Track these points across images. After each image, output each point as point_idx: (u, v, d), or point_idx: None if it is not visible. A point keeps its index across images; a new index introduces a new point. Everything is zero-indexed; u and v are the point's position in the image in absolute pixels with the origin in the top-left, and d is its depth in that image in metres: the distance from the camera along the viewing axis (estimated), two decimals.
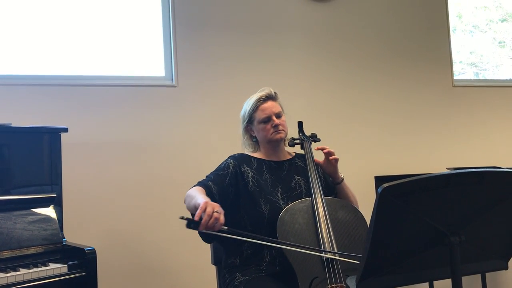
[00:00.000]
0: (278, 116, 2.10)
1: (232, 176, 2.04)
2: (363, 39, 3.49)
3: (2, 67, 2.79)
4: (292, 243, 1.84)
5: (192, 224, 1.64)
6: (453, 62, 3.73)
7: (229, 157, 2.13)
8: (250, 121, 2.13)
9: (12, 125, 2.31)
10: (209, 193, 1.94)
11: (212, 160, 3.10)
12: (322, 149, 2.14)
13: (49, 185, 2.36)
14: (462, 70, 3.93)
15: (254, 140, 2.17)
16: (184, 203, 1.98)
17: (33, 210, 2.19)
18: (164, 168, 2.97)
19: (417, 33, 3.64)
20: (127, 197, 2.88)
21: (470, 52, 3.99)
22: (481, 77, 4.00)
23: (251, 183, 2.04)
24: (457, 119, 3.68)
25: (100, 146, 2.86)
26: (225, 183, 2.02)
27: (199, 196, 1.83)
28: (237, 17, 3.21)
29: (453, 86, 3.71)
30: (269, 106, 2.09)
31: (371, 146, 3.42)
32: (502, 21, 4.10)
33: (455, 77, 3.74)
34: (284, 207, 1.95)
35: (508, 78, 4.02)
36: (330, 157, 2.12)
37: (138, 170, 2.92)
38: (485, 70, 4.04)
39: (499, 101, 3.82)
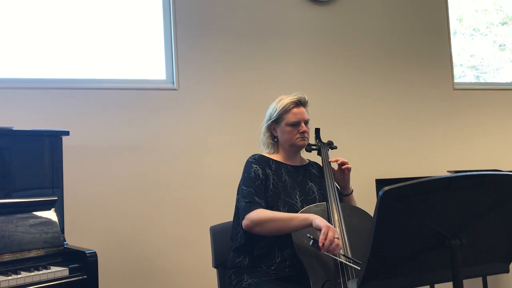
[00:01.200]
0: (306, 123, 2.12)
1: (263, 182, 2.03)
2: (363, 43, 3.49)
3: (4, 71, 2.79)
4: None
5: (316, 245, 1.75)
6: (453, 65, 3.74)
7: (251, 162, 2.08)
8: (277, 120, 2.11)
9: (14, 129, 2.32)
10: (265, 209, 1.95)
11: (213, 162, 3.12)
12: (335, 161, 2.15)
13: (50, 188, 2.36)
14: (462, 73, 3.94)
15: (275, 140, 2.15)
16: (252, 228, 1.92)
17: (34, 213, 2.19)
18: (165, 171, 2.98)
19: (417, 36, 3.64)
20: (128, 200, 2.88)
21: (471, 55, 3.99)
22: (481, 80, 4.01)
23: (271, 186, 2.04)
24: (458, 122, 3.68)
25: (101, 150, 2.86)
26: (263, 191, 2.02)
27: (296, 216, 1.87)
28: (238, 21, 3.21)
29: (453, 89, 3.71)
30: (301, 112, 2.10)
31: (372, 149, 3.42)
32: (503, 24, 4.10)
33: (455, 80, 3.74)
34: (300, 210, 1.96)
35: (509, 81, 4.02)
36: (343, 166, 2.13)
37: (139, 173, 2.92)
38: (486, 73, 4.04)
39: (500, 104, 3.83)
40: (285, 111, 2.09)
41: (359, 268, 1.79)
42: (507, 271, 1.43)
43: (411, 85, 3.58)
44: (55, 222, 2.21)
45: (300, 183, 2.11)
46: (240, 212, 1.99)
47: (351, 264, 1.81)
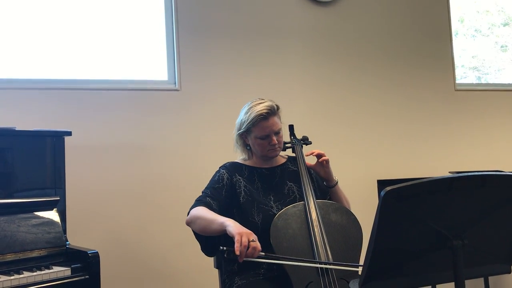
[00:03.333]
0: (277, 133, 2.04)
1: (228, 187, 2.03)
2: (364, 44, 3.49)
3: (5, 71, 2.80)
4: (331, 262, 1.82)
5: (232, 255, 1.68)
6: (455, 66, 3.74)
7: (221, 168, 2.11)
8: (247, 132, 2.07)
9: (16, 129, 2.33)
10: (211, 209, 1.94)
11: (214, 163, 3.11)
12: (311, 154, 2.11)
13: (53, 188, 2.36)
14: (464, 74, 3.94)
15: (248, 147, 2.12)
16: (189, 223, 1.97)
17: (37, 213, 2.19)
18: (167, 171, 2.98)
19: (419, 37, 3.64)
20: (130, 201, 2.89)
21: (472, 56, 3.99)
22: (483, 81, 4.01)
23: (243, 193, 2.03)
24: (460, 123, 3.69)
25: (103, 150, 2.87)
26: (222, 195, 2.01)
27: (222, 220, 1.81)
28: (240, 21, 3.22)
29: (455, 90, 3.71)
30: (270, 125, 2.01)
31: (374, 150, 3.43)
32: (504, 25, 4.11)
33: (457, 81, 3.75)
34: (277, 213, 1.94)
35: (511, 82, 4.02)
36: (320, 159, 2.09)
37: (141, 173, 2.93)
38: (487, 74, 4.04)
39: (502, 105, 3.83)
40: (253, 124, 2.01)
41: (336, 267, 1.80)
42: (509, 272, 1.43)
43: (413, 86, 3.58)
44: (57, 222, 2.22)
45: (275, 186, 2.08)
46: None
47: (277, 262, 1.79)
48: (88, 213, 2.78)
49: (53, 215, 2.23)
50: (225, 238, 1.83)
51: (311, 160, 2.16)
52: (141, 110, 2.97)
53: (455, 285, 1.30)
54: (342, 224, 1.97)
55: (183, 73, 3.06)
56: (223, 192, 2.02)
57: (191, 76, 3.08)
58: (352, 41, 3.46)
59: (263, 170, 2.12)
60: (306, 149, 2.22)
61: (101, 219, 2.82)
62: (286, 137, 2.26)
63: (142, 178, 2.93)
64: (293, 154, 2.21)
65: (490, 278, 3.28)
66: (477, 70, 4.02)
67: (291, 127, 2.31)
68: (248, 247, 1.68)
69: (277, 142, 2.03)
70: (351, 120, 3.41)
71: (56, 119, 2.75)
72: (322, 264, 1.80)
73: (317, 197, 2.04)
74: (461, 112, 3.70)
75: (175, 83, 3.07)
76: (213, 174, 2.12)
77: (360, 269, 1.76)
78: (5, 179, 2.27)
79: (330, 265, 1.82)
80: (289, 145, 2.22)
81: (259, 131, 2.01)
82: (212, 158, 3.05)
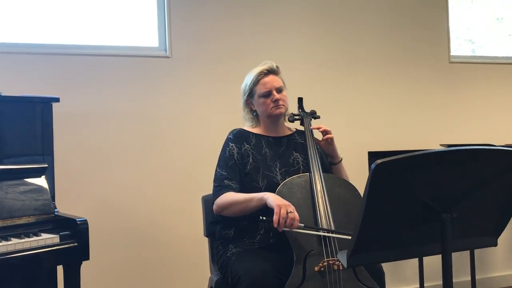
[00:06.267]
0: (279, 90, 2.09)
1: (239, 161, 2.05)
2: (359, 13, 3.43)
3: None
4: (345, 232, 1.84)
5: (271, 225, 1.76)
6: (450, 38, 3.70)
7: (229, 141, 2.11)
8: (250, 94, 2.11)
9: (2, 94, 2.28)
10: (235, 191, 1.98)
11: (206, 130, 3.11)
12: (318, 128, 2.13)
13: (41, 155, 2.33)
14: (458, 46, 3.90)
15: (254, 114, 2.16)
16: (220, 212, 2.00)
17: (25, 180, 2.17)
18: (157, 139, 2.96)
19: (414, 7, 3.58)
20: (119, 168, 2.87)
21: (467, 28, 3.95)
22: (478, 54, 3.97)
23: (251, 161, 2.05)
24: (453, 95, 3.67)
25: (92, 117, 2.83)
26: (237, 171, 2.04)
27: (259, 196, 1.88)
28: None
29: (449, 63, 3.68)
30: (270, 80, 2.07)
31: (365, 121, 3.41)
32: None
33: (451, 53, 3.71)
34: (281, 182, 1.96)
35: (505, 55, 3.99)
36: (325, 136, 2.11)
37: (130, 141, 2.90)
38: (482, 46, 4.00)
39: (496, 79, 3.81)
40: (254, 83, 2.08)
41: (332, 235, 1.83)
42: (495, 245, 1.45)
43: (407, 57, 3.55)
44: (46, 189, 2.20)
45: (281, 155, 2.10)
46: (212, 197, 2.04)
47: (316, 233, 1.83)
48: (77, 180, 2.77)
49: (41, 182, 2.21)
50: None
51: (318, 136, 2.16)
52: (131, 77, 2.92)
53: (442, 257, 1.32)
54: (346, 198, 1.99)
55: (173, 40, 3.00)
56: (237, 168, 2.05)
57: (182, 42, 3.02)
58: (347, 12, 3.40)
59: (269, 138, 2.14)
60: (314, 123, 2.22)
61: (90, 186, 2.81)
62: (295, 109, 2.27)
63: (131, 145, 2.90)
64: (302, 127, 2.22)
65: (476, 250, 3.33)
66: (472, 43, 3.98)
67: (300, 100, 2.31)
68: (287, 219, 1.74)
69: (280, 98, 2.06)
70: (343, 90, 3.38)
71: (44, 85, 2.70)
72: (345, 235, 1.82)
73: (323, 170, 2.05)
74: (454, 84, 3.68)
75: (165, 50, 3.01)
76: (223, 145, 2.12)
77: None
78: None
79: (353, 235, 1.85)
80: (297, 117, 2.23)
81: (260, 88, 2.07)
82: (203, 125, 3.04)
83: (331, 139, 2.12)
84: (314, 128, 2.14)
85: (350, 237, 1.79)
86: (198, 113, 3.03)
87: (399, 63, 3.53)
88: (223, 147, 2.12)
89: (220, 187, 2.01)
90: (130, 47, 2.98)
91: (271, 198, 1.82)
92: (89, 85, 2.83)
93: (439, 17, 3.66)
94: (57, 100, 2.39)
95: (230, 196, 1.96)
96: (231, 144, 2.08)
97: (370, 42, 3.45)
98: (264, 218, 1.77)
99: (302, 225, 1.80)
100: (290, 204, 1.80)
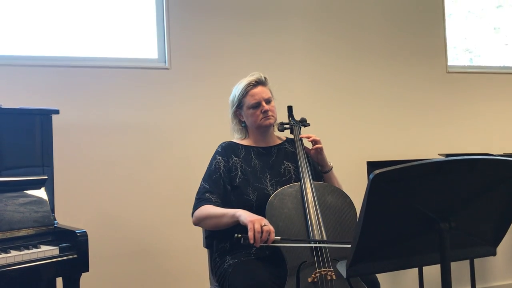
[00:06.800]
0: (268, 101, 2.09)
1: (225, 175, 2.05)
2: (355, 23, 3.46)
3: None
4: (334, 241, 1.85)
5: (247, 241, 1.76)
6: (447, 48, 3.72)
7: (217, 154, 2.12)
8: (239, 106, 2.11)
9: (2, 106, 2.29)
10: (214, 205, 1.99)
11: (205, 142, 3.11)
12: (307, 138, 2.13)
13: (41, 167, 2.34)
14: (456, 56, 3.92)
15: (243, 125, 2.16)
16: (197, 224, 2.02)
17: (24, 192, 2.17)
18: (156, 150, 2.96)
19: (411, 18, 3.61)
20: (118, 180, 2.88)
21: (465, 38, 3.97)
22: (475, 64, 4.00)
23: (239, 174, 2.04)
24: (450, 105, 3.69)
25: (92, 128, 2.84)
26: (221, 185, 2.04)
27: (233, 212, 1.87)
28: None
29: (447, 73, 3.70)
30: (259, 92, 2.07)
31: (364, 131, 3.43)
32: (498, 7, 4.08)
33: (449, 63, 3.73)
34: (273, 193, 1.95)
35: (502, 65, 4.02)
36: (314, 146, 2.11)
37: (129, 152, 2.91)
38: (479, 56, 4.03)
39: (493, 88, 3.83)
40: (243, 94, 2.08)
41: (331, 246, 1.82)
42: (494, 254, 1.45)
43: (404, 67, 3.57)
44: (45, 201, 2.20)
45: (272, 165, 2.10)
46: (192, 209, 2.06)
47: (294, 244, 1.83)
48: (76, 192, 2.77)
49: (41, 194, 2.21)
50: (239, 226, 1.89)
51: (308, 144, 2.17)
52: (130, 89, 2.93)
53: (441, 267, 1.32)
54: (338, 206, 1.99)
55: (173, 52, 3.02)
56: (221, 182, 2.04)
57: (181, 54, 3.04)
58: (343, 21, 3.43)
59: (259, 149, 2.14)
60: (304, 131, 2.22)
61: (90, 198, 2.81)
62: (284, 118, 2.27)
63: (131, 157, 2.91)
64: (291, 136, 2.22)
65: (475, 260, 3.33)
66: (469, 52, 4.01)
67: (289, 108, 2.31)
68: (263, 232, 1.73)
69: (269, 109, 2.06)
70: (342, 101, 3.39)
71: (43, 97, 2.71)
72: (330, 244, 1.83)
73: (314, 179, 2.05)
74: (452, 94, 3.70)
75: (165, 61, 3.03)
76: (209, 160, 2.13)
77: None
78: None
79: (335, 244, 1.84)
80: (287, 125, 2.22)
81: (249, 99, 2.07)
82: (202, 136, 3.04)
83: (321, 149, 2.11)
84: (303, 137, 2.14)
85: (330, 245, 1.81)
86: (196, 124, 3.04)
87: (397, 74, 3.55)
88: (211, 159, 2.12)
89: (200, 200, 2.02)
90: (129, 59, 3.00)
91: (243, 216, 1.82)
92: (89, 97, 2.84)
93: (436, 27, 3.68)
94: (56, 112, 2.40)
95: (207, 209, 1.97)
96: (218, 157, 2.09)
97: (368, 53, 3.47)
98: (240, 235, 1.77)
99: (279, 238, 1.80)
100: (263, 218, 1.80)
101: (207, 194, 2.01)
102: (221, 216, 1.92)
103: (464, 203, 1.31)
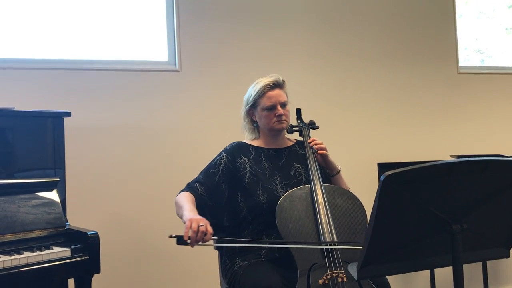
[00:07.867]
0: (283, 105, 2.08)
1: (224, 173, 2.05)
2: (366, 24, 3.45)
3: (5, 51, 2.77)
4: (286, 242, 1.84)
5: (182, 241, 1.74)
6: (458, 48, 3.70)
7: (223, 151, 2.12)
8: (253, 105, 2.11)
9: (15, 109, 2.31)
10: (196, 195, 2.00)
11: (214, 145, 3.10)
12: (312, 141, 2.11)
13: (53, 169, 2.36)
14: (467, 57, 3.90)
15: (255, 125, 2.15)
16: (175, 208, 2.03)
17: (37, 194, 2.19)
18: (166, 152, 2.97)
19: (422, 18, 3.60)
20: (130, 182, 2.89)
21: (476, 39, 3.95)
22: (486, 64, 3.97)
23: (248, 174, 2.04)
24: (462, 106, 3.66)
25: (103, 131, 2.86)
26: (214, 181, 2.04)
27: (185, 209, 1.88)
28: (241, 2, 3.17)
29: (458, 73, 3.68)
30: (276, 95, 2.06)
31: (375, 133, 3.41)
32: (509, 7, 4.05)
33: (460, 64, 3.71)
34: (283, 195, 1.95)
35: None
36: (318, 152, 2.08)
37: (140, 154, 2.92)
38: (490, 57, 4.00)
39: (504, 89, 3.80)
40: (259, 95, 2.06)
41: (341, 247, 1.81)
42: (507, 256, 1.44)
43: (415, 68, 3.55)
44: (57, 202, 2.22)
45: (282, 167, 2.09)
46: None
47: (230, 245, 1.87)
48: (88, 194, 2.79)
49: (53, 195, 2.23)
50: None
51: None
52: (141, 91, 2.95)
53: (453, 269, 1.31)
54: (348, 208, 1.98)
55: (183, 54, 3.03)
56: (215, 178, 2.04)
57: (192, 57, 3.05)
58: (354, 22, 3.42)
59: (270, 150, 2.13)
60: (313, 134, 2.22)
61: (101, 199, 2.82)
62: (293, 121, 2.26)
63: (142, 159, 2.92)
64: (301, 138, 2.22)
65: (488, 262, 3.29)
66: (481, 53, 3.98)
67: (298, 111, 2.31)
68: (198, 232, 1.72)
69: (283, 114, 2.06)
70: (352, 103, 3.38)
71: (55, 100, 2.73)
72: (299, 245, 1.83)
73: (324, 181, 2.05)
74: (463, 95, 3.67)
75: (175, 64, 3.04)
76: (216, 155, 2.14)
77: None
78: (5, 159, 2.27)
79: (310, 245, 1.84)
80: (296, 128, 2.22)
81: (265, 101, 2.05)
82: (213, 138, 3.04)
83: (325, 155, 2.09)
84: (308, 142, 2.12)
85: (285, 245, 1.81)
86: (206, 126, 3.05)
87: (408, 75, 3.53)
88: (216, 155, 2.13)
89: (187, 186, 2.06)
90: (140, 62, 3.01)
91: (186, 215, 1.83)
92: (100, 99, 2.86)
93: (447, 28, 3.66)
94: (68, 114, 2.42)
95: (181, 197, 1.99)
96: (223, 154, 2.10)
97: (378, 54, 3.46)
98: (174, 235, 1.76)
99: (216, 238, 1.80)
100: (203, 218, 1.79)
101: (196, 184, 2.04)
102: (180, 208, 1.93)
103: (476, 204, 1.30)
